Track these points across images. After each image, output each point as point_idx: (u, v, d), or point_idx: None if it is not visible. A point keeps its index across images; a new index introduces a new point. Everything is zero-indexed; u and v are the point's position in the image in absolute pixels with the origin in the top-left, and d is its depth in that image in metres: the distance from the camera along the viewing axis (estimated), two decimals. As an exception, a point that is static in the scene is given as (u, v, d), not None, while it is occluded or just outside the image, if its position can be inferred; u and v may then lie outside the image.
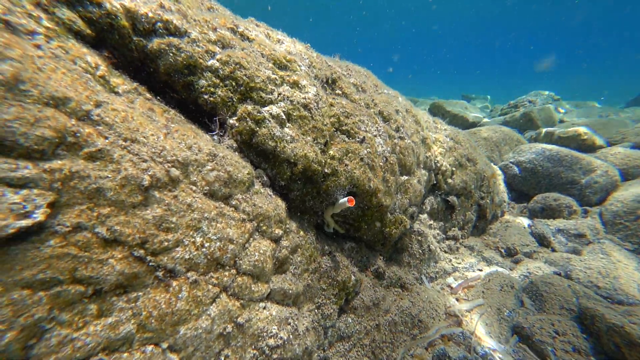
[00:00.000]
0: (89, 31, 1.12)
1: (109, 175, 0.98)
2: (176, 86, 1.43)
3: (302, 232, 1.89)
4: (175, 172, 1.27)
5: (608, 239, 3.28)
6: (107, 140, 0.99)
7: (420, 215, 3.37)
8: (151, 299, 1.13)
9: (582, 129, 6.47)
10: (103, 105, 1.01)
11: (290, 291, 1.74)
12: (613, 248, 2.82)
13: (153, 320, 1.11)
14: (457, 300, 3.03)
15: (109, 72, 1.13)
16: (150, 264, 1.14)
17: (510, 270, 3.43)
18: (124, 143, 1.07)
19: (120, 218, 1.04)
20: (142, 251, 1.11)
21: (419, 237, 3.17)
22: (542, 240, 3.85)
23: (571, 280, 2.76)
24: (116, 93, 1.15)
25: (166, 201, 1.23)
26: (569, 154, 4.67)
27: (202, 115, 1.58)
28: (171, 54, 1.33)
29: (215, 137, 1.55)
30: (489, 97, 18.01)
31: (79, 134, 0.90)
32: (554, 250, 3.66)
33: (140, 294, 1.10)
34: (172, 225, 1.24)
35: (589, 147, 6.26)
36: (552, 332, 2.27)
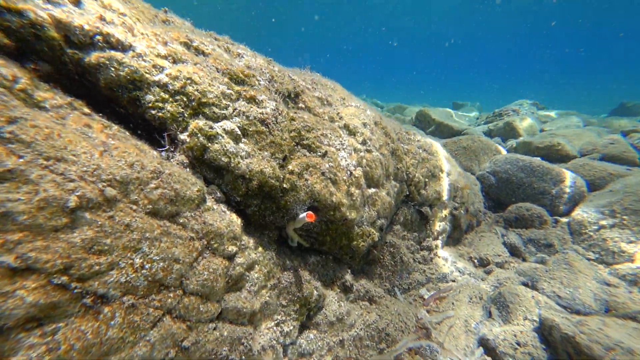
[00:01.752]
0: (6, 41, 1.07)
1: (22, 198, 0.93)
2: (121, 101, 1.38)
3: (260, 248, 1.85)
4: (111, 191, 1.22)
5: (573, 249, 3.39)
6: (21, 160, 0.93)
7: (394, 226, 3.39)
8: (74, 329, 1.06)
9: (556, 140, 6.74)
10: (19, 122, 0.95)
11: (245, 310, 1.69)
12: (576, 258, 2.91)
13: (75, 354, 1.04)
14: (428, 312, 3.04)
15: (32, 85, 1.08)
16: (75, 290, 1.08)
17: (482, 280, 3.48)
18: (45, 162, 1.01)
19: (37, 244, 0.98)
20: (64, 277, 1.05)
21: (391, 249, 3.18)
22: (514, 250, 3.94)
23: (536, 291, 2.82)
24: (42, 108, 1.09)
25: (99, 222, 1.17)
26: (541, 165, 4.84)
27: (152, 131, 1.53)
28: (112, 69, 1.28)
29: (164, 154, 1.50)
30: (478, 104, 18.56)
31: (-19, 156, 0.84)
32: (524, 260, 3.75)
33: (60, 325, 1.03)
34: (106, 247, 1.18)
35: (563, 157, 6.53)
36: (514, 343, 2.30)
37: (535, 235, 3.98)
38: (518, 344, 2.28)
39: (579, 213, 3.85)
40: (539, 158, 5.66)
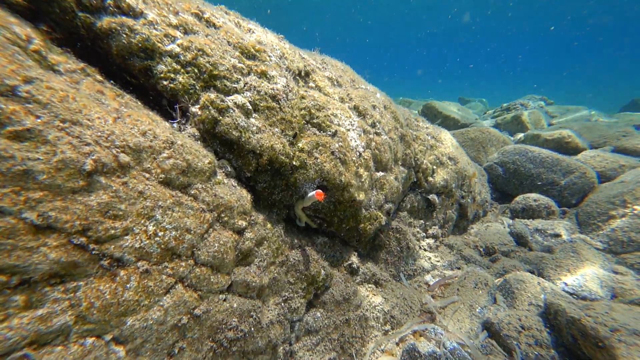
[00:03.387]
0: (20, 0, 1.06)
1: (41, 157, 0.93)
2: (132, 70, 1.38)
3: (269, 225, 1.87)
4: (125, 157, 1.23)
5: (581, 239, 3.36)
6: (38, 120, 0.94)
7: (400, 212, 3.38)
8: (94, 288, 1.09)
9: (565, 132, 6.60)
10: (35, 82, 0.95)
11: (254, 284, 1.72)
12: (583, 247, 2.89)
13: (95, 311, 1.07)
14: (433, 297, 3.06)
15: (46, 47, 1.07)
16: (94, 252, 1.10)
17: (487, 268, 3.48)
18: (61, 124, 1.02)
19: (57, 204, 0.99)
20: (83, 239, 1.07)
21: (398, 235, 3.18)
22: (520, 240, 3.92)
23: (542, 278, 2.82)
24: (56, 71, 1.09)
25: (114, 187, 1.18)
26: (550, 156, 4.75)
27: (163, 103, 1.53)
28: (124, 35, 1.27)
29: (176, 125, 1.50)
30: (485, 100, 18.19)
31: None
32: (530, 249, 3.73)
33: (81, 283, 1.06)
34: (121, 213, 1.19)
35: (572, 150, 6.40)
36: (518, 327, 2.31)
37: (542, 225, 3.94)
38: (522, 327, 2.29)
39: (588, 204, 3.80)
40: (547, 149, 5.56)
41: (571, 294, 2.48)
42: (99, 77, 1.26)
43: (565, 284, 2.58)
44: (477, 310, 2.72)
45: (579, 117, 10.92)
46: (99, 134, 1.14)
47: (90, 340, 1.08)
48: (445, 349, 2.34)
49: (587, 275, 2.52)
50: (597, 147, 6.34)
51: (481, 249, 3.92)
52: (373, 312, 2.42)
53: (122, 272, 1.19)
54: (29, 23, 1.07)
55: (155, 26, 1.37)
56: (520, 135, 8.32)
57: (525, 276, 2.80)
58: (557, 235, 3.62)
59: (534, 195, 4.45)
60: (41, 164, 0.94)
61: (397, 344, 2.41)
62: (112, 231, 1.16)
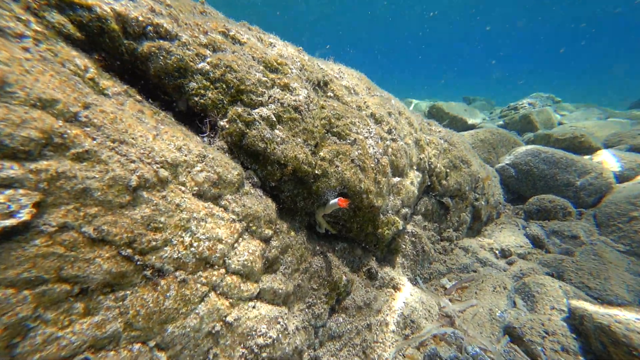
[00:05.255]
0: (79, 34, 1.15)
1: (96, 176, 1.00)
2: (167, 88, 1.45)
3: (292, 233, 1.91)
4: (164, 172, 1.29)
5: (601, 241, 3.30)
6: (94, 142, 1.01)
7: (415, 216, 3.39)
8: (139, 297, 1.15)
9: (578, 131, 6.50)
10: (91, 107, 1.03)
11: (280, 291, 1.76)
12: (605, 250, 2.84)
13: (140, 319, 1.13)
14: (451, 301, 3.05)
15: (98, 74, 1.15)
16: (138, 263, 1.16)
17: (504, 271, 3.45)
18: (112, 144, 1.09)
19: (108, 218, 1.06)
20: (129, 250, 1.13)
21: (413, 239, 3.19)
22: (537, 242, 3.87)
23: (563, 281, 2.78)
24: (105, 95, 1.17)
25: (154, 201, 1.25)
26: (564, 156, 4.69)
27: (194, 118, 1.60)
28: (161, 57, 1.35)
29: (206, 139, 1.57)
30: (490, 99, 18.01)
31: (66, 135, 0.92)
32: (547, 251, 3.68)
33: (127, 292, 1.12)
34: (161, 225, 1.25)
35: (585, 149, 6.29)
36: (542, 332, 2.29)
37: (559, 227, 3.89)
38: (546, 332, 2.26)
39: (607, 205, 3.73)
40: (561, 150, 5.48)
41: (595, 298, 2.45)
42: (138, 97, 1.33)
43: (589, 287, 2.55)
44: (497, 314, 2.70)
45: (590, 115, 10.73)
46: (142, 151, 1.21)
47: (137, 346, 1.14)
48: (467, 354, 2.33)
49: (611, 279, 2.48)
50: (611, 146, 6.22)
51: (497, 252, 3.89)
52: (393, 317, 2.43)
53: (162, 282, 1.24)
54: (85, 53, 1.16)
55: (188, 47, 1.44)
56: (530, 135, 8.22)
57: (545, 279, 2.77)
58: (576, 237, 3.57)
59: (549, 196, 4.39)
60: (96, 182, 1.01)
61: (418, 349, 2.41)
62: (154, 242, 1.22)
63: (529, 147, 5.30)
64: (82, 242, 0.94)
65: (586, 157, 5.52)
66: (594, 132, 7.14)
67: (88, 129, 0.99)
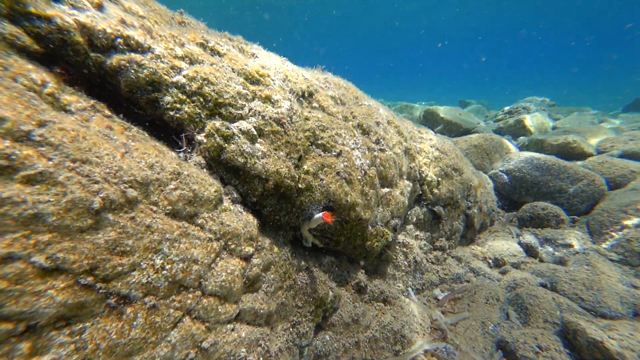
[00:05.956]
0: (36, 47, 1.09)
1: (51, 199, 0.94)
2: (140, 103, 1.39)
3: (276, 249, 1.84)
4: (132, 192, 1.23)
5: (594, 250, 3.27)
6: (50, 162, 0.94)
7: (406, 226, 3.34)
8: (100, 329, 1.07)
9: (570, 137, 6.53)
10: (48, 125, 0.96)
11: (262, 311, 1.69)
12: (598, 259, 2.81)
13: (101, 354, 1.05)
14: (443, 313, 2.98)
15: (59, 89, 1.09)
16: (101, 291, 1.09)
17: (498, 281, 3.39)
18: (72, 164, 1.02)
19: (65, 244, 0.99)
20: (90, 278, 1.06)
21: (404, 249, 3.13)
22: (530, 251, 3.83)
23: (556, 293, 2.74)
24: (67, 111, 1.11)
25: (121, 223, 1.18)
26: (556, 163, 4.69)
27: (170, 132, 1.54)
28: (132, 71, 1.30)
29: (182, 155, 1.51)
30: (485, 102, 18.17)
31: (13, 157, 0.85)
32: (541, 260, 3.64)
33: (87, 324, 1.05)
34: (128, 249, 1.18)
35: (578, 155, 6.32)
36: (535, 347, 2.23)
37: (552, 235, 3.86)
38: (539, 347, 2.20)
39: (599, 212, 3.72)
40: (553, 156, 5.50)
41: (588, 310, 2.40)
42: (107, 112, 1.27)
43: (582, 299, 2.50)
44: (490, 327, 2.63)
45: (583, 120, 10.83)
46: (108, 170, 1.15)
47: (97, 383, 1.06)
48: (459, 371, 2.26)
49: (604, 290, 2.44)
50: (603, 152, 6.26)
51: (490, 261, 3.84)
52: (383, 332, 2.36)
53: (128, 310, 1.17)
54: (44, 67, 1.10)
55: (162, 59, 1.39)
56: (524, 140, 8.26)
57: (538, 291, 2.72)
58: (569, 246, 3.54)
59: (542, 204, 4.37)
60: (51, 206, 0.94)
61: (409, 366, 2.33)
62: (120, 268, 1.15)
63: (522, 153, 5.31)
64: (30, 274, 0.87)
65: (579, 162, 5.54)
66: (586, 137, 7.19)
67: (43, 148, 0.93)
